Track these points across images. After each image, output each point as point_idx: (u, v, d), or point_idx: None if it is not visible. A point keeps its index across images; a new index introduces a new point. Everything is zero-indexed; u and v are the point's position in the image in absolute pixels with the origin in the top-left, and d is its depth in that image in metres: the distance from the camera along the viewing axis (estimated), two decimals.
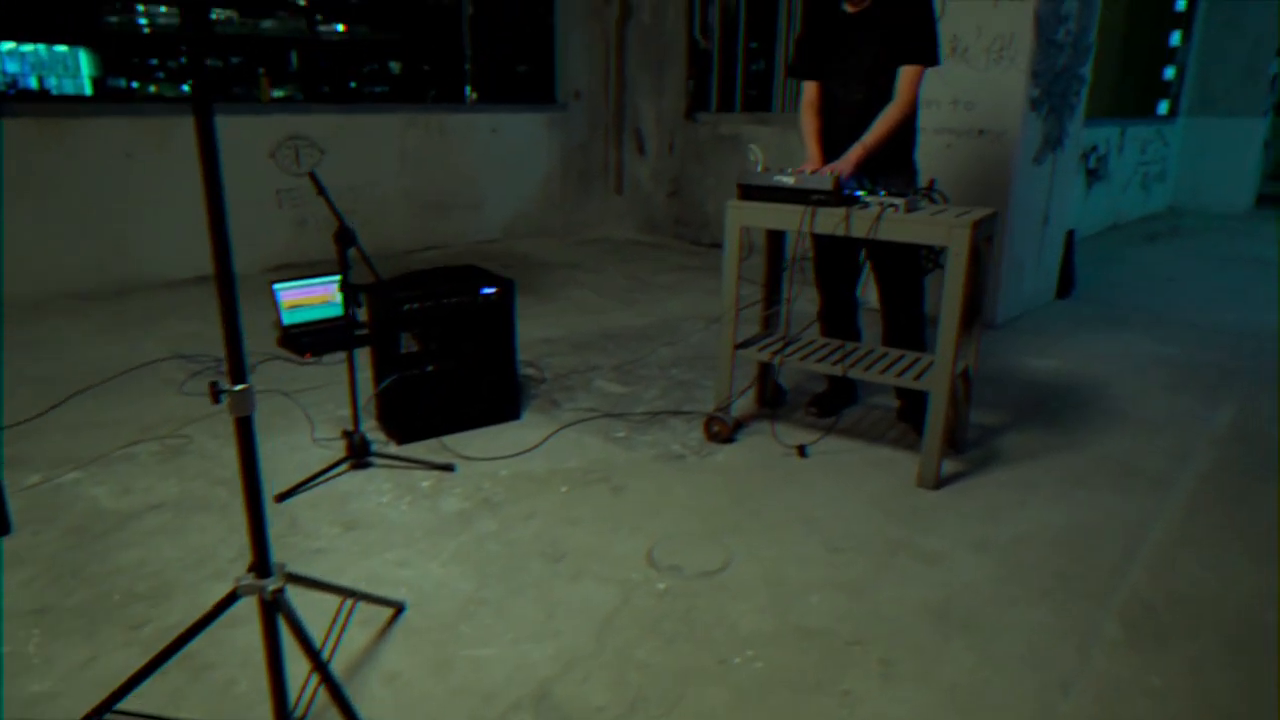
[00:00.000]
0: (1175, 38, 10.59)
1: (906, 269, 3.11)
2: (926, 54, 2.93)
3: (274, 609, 1.49)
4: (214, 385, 1.42)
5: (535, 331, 4.48)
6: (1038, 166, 4.84)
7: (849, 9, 2.99)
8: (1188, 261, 7.09)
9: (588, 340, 4.35)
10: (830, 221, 2.67)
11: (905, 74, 2.92)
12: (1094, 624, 2.04)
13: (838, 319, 3.32)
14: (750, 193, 2.83)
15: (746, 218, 2.84)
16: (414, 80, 7.33)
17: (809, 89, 3.14)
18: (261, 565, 1.50)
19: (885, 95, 2.96)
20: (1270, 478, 2.88)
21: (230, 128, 5.49)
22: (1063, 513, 2.60)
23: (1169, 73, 10.67)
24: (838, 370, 2.84)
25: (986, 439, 3.17)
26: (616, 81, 7.54)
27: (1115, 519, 2.56)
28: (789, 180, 2.75)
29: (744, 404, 3.43)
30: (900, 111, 2.93)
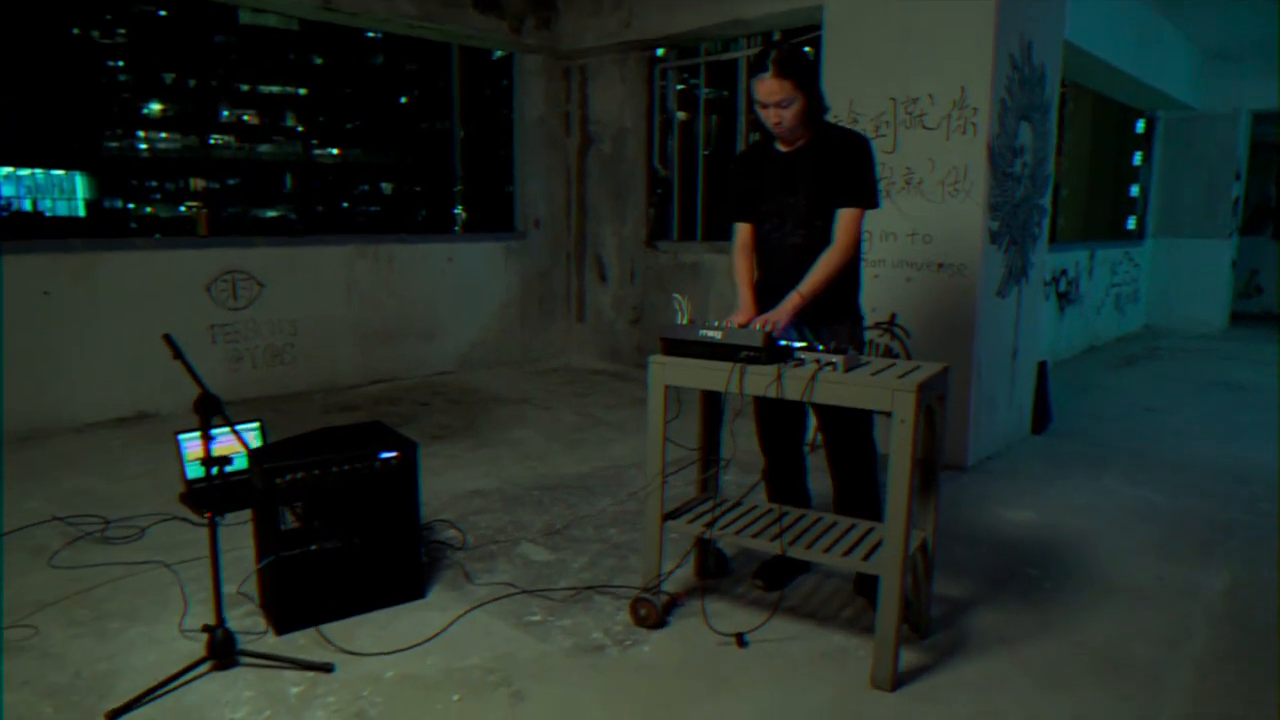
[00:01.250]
0: (1138, 157, 10.80)
1: (855, 426, 2.81)
2: (866, 196, 2.71)
3: None
4: None
5: (467, 482, 4.12)
6: (1002, 300, 4.62)
7: (782, 149, 2.79)
8: (1167, 387, 6.86)
9: (522, 493, 3.98)
10: (761, 381, 2.37)
11: (844, 217, 2.70)
12: None
13: (783, 481, 2.99)
14: (674, 347, 2.55)
15: (670, 375, 2.54)
16: (406, 201, 7.27)
17: (742, 231, 2.91)
18: None
19: (824, 238, 2.73)
20: (1275, 668, 2.50)
21: (164, 262, 5.26)
22: None
23: (1135, 190, 10.82)
24: (775, 548, 2.49)
25: (954, 617, 2.79)
26: (578, 209, 7.44)
27: None
28: (715, 335, 2.47)
29: (683, 574, 3.05)
30: (841, 256, 2.69)
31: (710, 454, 2.91)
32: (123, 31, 37.51)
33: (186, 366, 2.31)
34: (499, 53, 7.51)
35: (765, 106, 2.63)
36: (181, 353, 2.32)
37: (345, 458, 2.65)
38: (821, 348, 2.45)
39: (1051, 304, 7.82)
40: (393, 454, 2.75)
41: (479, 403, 5.89)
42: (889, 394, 2.22)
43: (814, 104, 2.64)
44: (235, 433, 2.42)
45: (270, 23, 39.86)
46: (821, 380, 2.30)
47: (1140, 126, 10.72)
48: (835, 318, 2.78)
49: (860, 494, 2.86)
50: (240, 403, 5.58)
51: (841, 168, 2.68)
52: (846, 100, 4.65)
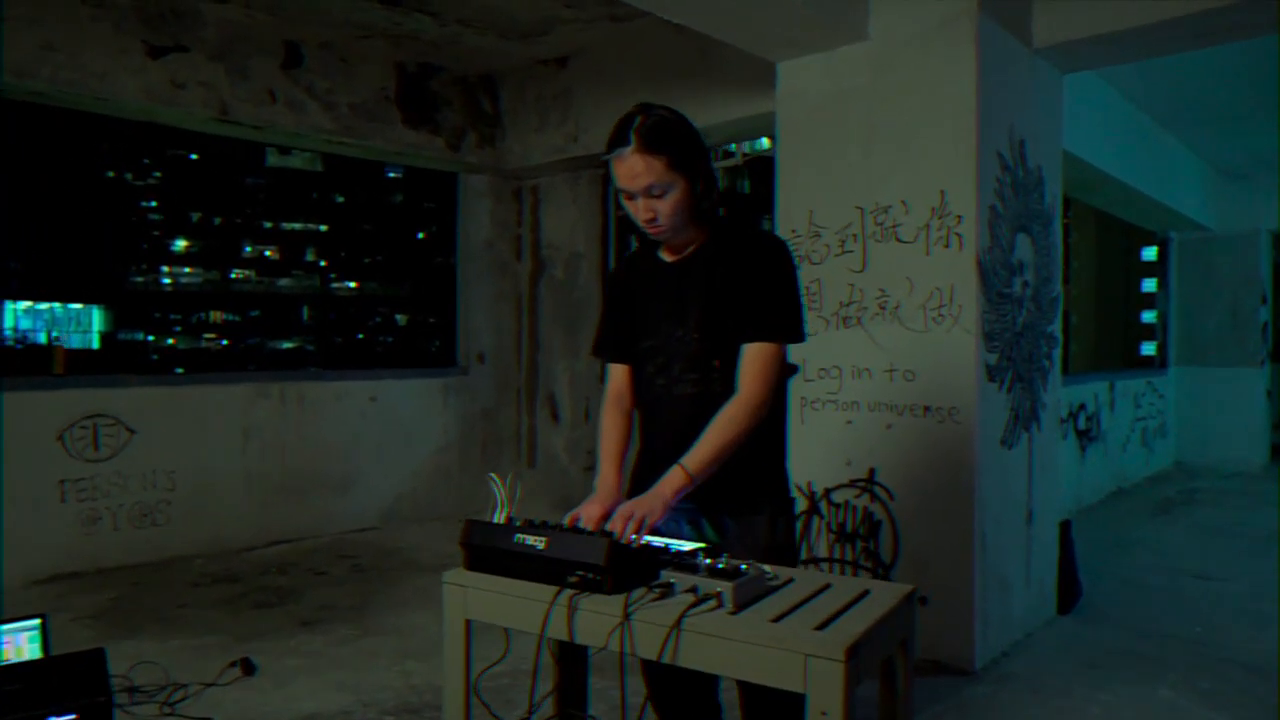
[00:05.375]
0: (1151, 284, 10.15)
1: None
2: (783, 324, 1.85)
3: None
4: None
5: (311, 698, 3.11)
6: (1009, 450, 3.70)
7: (666, 258, 1.96)
8: (1215, 544, 5.79)
9: (376, 718, 2.97)
10: (596, 628, 1.44)
11: (754, 356, 1.82)
12: None
13: None
14: (480, 559, 1.64)
15: (473, 605, 1.62)
16: (420, 332, 6.61)
17: (615, 376, 2.05)
18: None
19: (727, 387, 1.85)
20: None
21: (6, 406, 4.43)
22: None
23: (1146, 316, 10.12)
24: None
25: None
26: (529, 341, 6.66)
27: None
28: (538, 543, 1.56)
29: None
30: (749, 413, 1.80)
31: (567, 707, 1.94)
32: (158, 175, 39.02)
33: None
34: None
35: (631, 197, 1.81)
36: None
37: None
38: (708, 562, 1.53)
39: (1071, 443, 6.85)
40: (69, 717, 1.79)
41: (388, 570, 4.90)
42: (799, 662, 1.28)
43: (700, 191, 1.82)
44: None
45: (295, 164, 41.45)
46: (689, 628, 1.36)
47: (1152, 254, 10.10)
48: (747, 504, 1.86)
49: None
50: (95, 574, 4.63)
51: (747, 283, 1.84)
52: (806, 211, 3.89)
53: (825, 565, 3.81)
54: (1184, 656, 3.64)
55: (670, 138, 1.76)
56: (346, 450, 5.71)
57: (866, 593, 1.53)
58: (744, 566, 1.50)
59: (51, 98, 4.38)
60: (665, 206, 1.79)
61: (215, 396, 5.15)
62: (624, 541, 1.57)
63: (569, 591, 1.49)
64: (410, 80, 5.66)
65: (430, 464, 6.16)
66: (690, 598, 1.44)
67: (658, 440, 1.94)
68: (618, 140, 1.77)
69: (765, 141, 5.75)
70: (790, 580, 1.59)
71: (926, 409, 3.52)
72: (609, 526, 1.65)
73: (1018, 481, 3.80)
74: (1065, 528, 4.34)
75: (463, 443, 6.35)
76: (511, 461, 6.66)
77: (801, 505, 3.83)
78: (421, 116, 5.73)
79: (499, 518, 1.67)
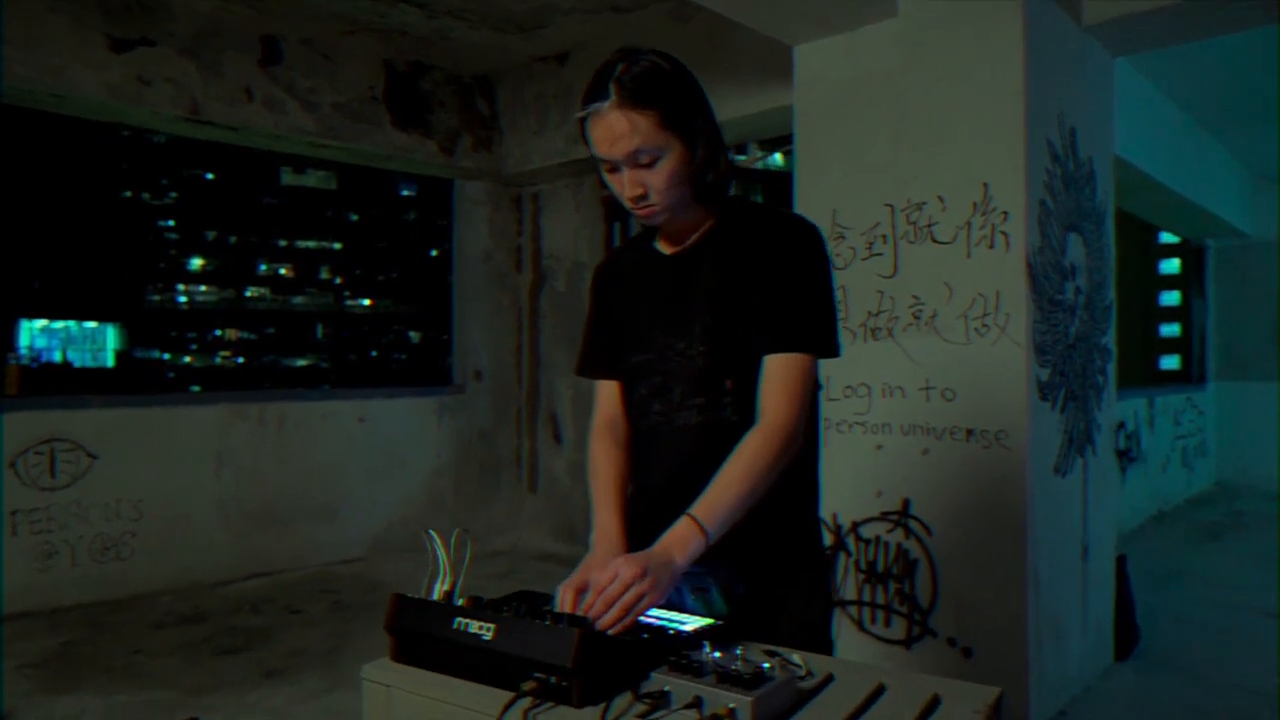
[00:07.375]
0: (1170, 297, 9.76)
1: None
2: (817, 331, 1.42)
3: None
4: None
5: None
6: (1063, 478, 3.25)
7: (663, 249, 1.55)
8: (1274, 575, 5.29)
9: None
10: None
11: (781, 369, 1.40)
12: None
13: None
14: (411, 647, 1.22)
15: (398, 710, 1.20)
16: (433, 348, 6.23)
17: (604, 396, 1.63)
18: None
19: (743, 415, 1.43)
20: None
21: None
22: None
23: (1164, 329, 9.71)
24: None
25: None
26: (529, 358, 6.26)
27: None
28: (483, 631, 1.14)
29: None
30: (777, 445, 1.37)
31: None
32: (175, 194, 39.11)
33: None
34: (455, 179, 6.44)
35: (614, 169, 1.40)
36: None
37: None
38: (717, 656, 1.11)
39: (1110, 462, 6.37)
40: None
41: (372, 607, 4.49)
42: None
43: (703, 158, 1.41)
44: None
45: (310, 183, 41.44)
46: None
47: (1174, 266, 9.70)
48: (769, 567, 1.44)
49: None
50: (48, 614, 4.24)
51: (769, 277, 1.42)
52: (828, 211, 3.47)
53: (853, 609, 3.37)
54: (1263, 713, 3.18)
55: (662, 88, 1.35)
56: (332, 475, 5.32)
57: (937, 702, 1.10)
58: (767, 665, 1.08)
59: (2, 95, 4.03)
60: (657, 179, 1.37)
61: (187, 418, 4.77)
62: (602, 627, 1.15)
63: (525, 700, 1.07)
64: (399, 79, 5.29)
65: (423, 489, 5.75)
66: (693, 715, 1.02)
67: (654, 483, 1.52)
68: (594, 94, 1.36)
69: (779, 158, 5.34)
70: (829, 678, 1.17)
71: (969, 432, 3.09)
72: (585, 603, 1.22)
73: (1072, 513, 3.35)
74: (1121, 563, 3.89)
75: (458, 466, 5.94)
76: (511, 486, 6.24)
77: (826, 541, 3.40)
78: (412, 118, 5.36)
79: (437, 592, 1.25)
